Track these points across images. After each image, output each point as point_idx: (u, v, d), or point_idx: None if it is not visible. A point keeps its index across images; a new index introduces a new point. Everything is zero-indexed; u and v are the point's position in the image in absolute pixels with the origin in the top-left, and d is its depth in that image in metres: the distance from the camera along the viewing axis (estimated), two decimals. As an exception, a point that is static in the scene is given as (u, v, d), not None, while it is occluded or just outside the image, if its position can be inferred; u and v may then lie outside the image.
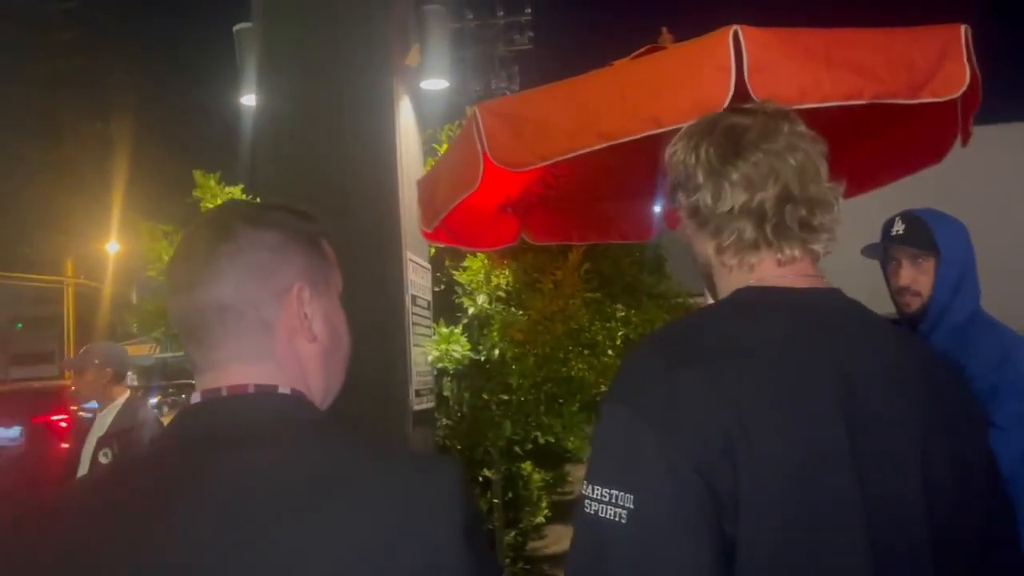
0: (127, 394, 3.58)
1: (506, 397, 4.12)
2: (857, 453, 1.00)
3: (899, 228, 2.38)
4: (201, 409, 0.98)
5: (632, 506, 0.97)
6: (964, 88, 2.53)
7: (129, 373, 3.78)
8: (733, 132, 1.17)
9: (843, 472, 0.99)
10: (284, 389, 0.98)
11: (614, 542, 0.97)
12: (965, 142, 3.02)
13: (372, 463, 0.94)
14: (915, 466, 1.04)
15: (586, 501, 1.00)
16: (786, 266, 1.14)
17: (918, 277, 2.31)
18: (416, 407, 3.68)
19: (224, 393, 0.97)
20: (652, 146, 3.90)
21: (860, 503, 0.99)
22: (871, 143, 3.55)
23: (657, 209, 4.37)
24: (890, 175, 3.51)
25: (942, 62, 2.57)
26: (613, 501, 0.98)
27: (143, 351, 6.82)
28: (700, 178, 1.17)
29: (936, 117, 3.04)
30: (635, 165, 4.14)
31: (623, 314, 4.68)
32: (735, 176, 1.13)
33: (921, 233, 2.32)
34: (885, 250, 2.41)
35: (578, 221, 4.22)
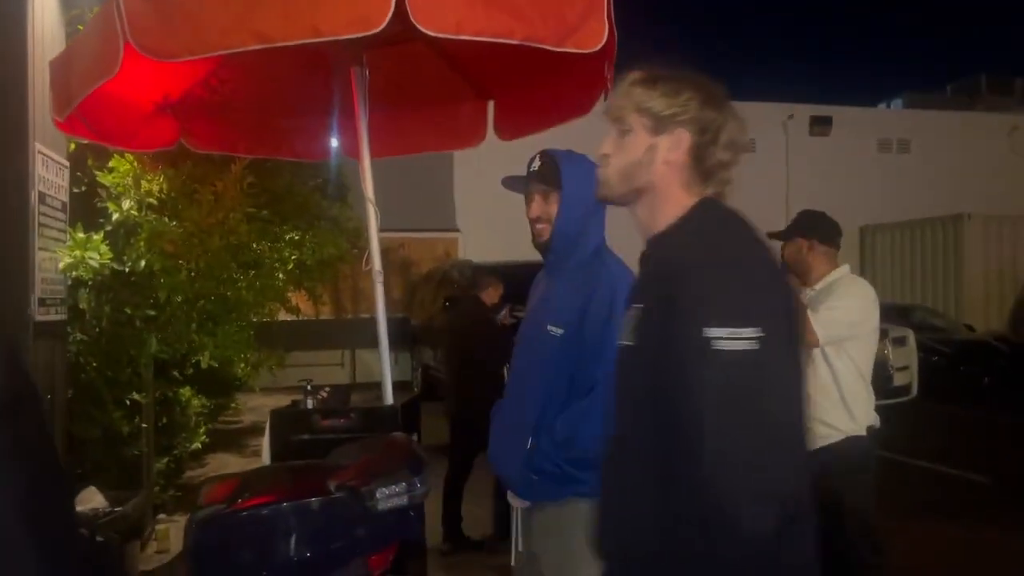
0: None
1: (153, 313, 3.84)
2: None
3: (535, 164, 2.55)
4: None
5: (762, 334, 1.25)
6: (602, 43, 2.76)
7: None
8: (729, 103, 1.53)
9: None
10: None
11: (751, 366, 1.25)
12: (607, 96, 3.32)
13: None
14: None
15: (715, 341, 1.25)
16: None
17: (546, 209, 2.50)
18: (40, 317, 3.30)
19: None
20: (326, 64, 3.84)
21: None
22: (530, 91, 3.80)
23: (335, 142, 4.27)
24: (545, 122, 3.79)
25: (586, 18, 2.79)
26: (742, 336, 1.25)
27: None
28: (725, 136, 1.50)
29: (585, 71, 3.31)
30: (309, 82, 4.03)
31: (291, 235, 4.56)
32: (732, 138, 1.51)
33: (551, 171, 2.52)
34: (526, 183, 2.59)
35: (246, 132, 4.01)
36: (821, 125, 16.26)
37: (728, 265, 1.35)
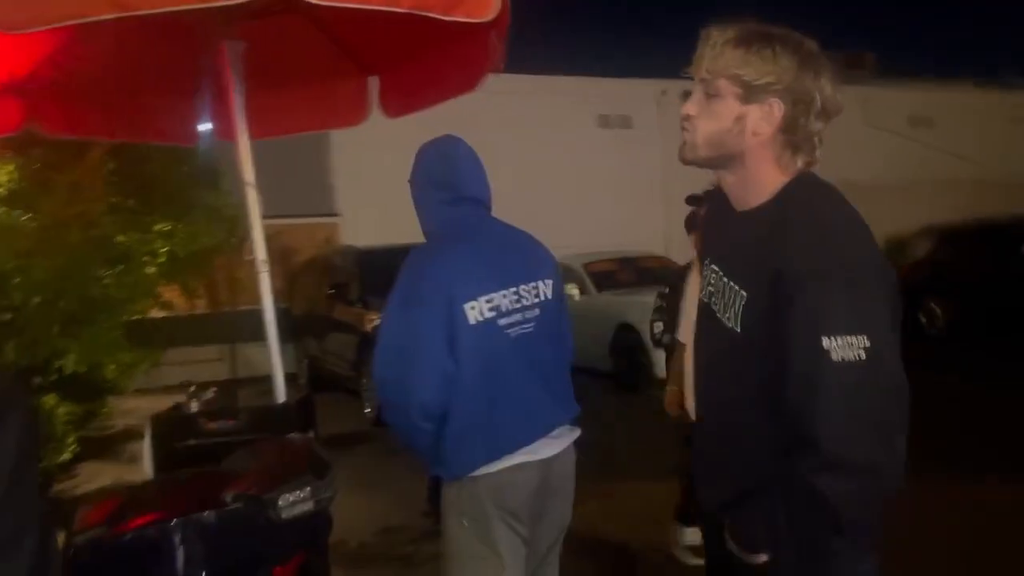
0: None
1: (8, 316, 3.47)
2: None
3: None
4: None
5: (870, 343, 1.32)
6: (496, 12, 2.64)
7: None
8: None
9: None
10: None
11: (864, 371, 1.31)
12: (499, 68, 3.21)
13: None
14: None
15: (831, 351, 1.32)
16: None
17: None
18: None
19: None
20: (195, 38, 3.54)
21: None
22: (416, 65, 3.64)
23: (208, 125, 3.97)
24: (432, 98, 3.64)
25: (476, -16, 2.66)
26: (855, 344, 1.32)
27: None
28: (819, 104, 1.44)
29: (474, 44, 3.18)
30: (177, 58, 3.72)
31: (162, 225, 4.24)
32: (826, 104, 1.47)
33: None
34: None
35: (105, 115, 3.66)
36: (693, 100, 16.67)
37: (845, 275, 1.37)
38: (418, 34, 3.34)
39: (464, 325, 2.18)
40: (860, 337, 1.32)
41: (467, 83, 3.44)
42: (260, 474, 2.15)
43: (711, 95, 1.47)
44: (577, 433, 2.42)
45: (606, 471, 5.44)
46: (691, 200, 3.23)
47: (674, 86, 17.05)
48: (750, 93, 1.44)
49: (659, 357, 8.85)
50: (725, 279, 1.55)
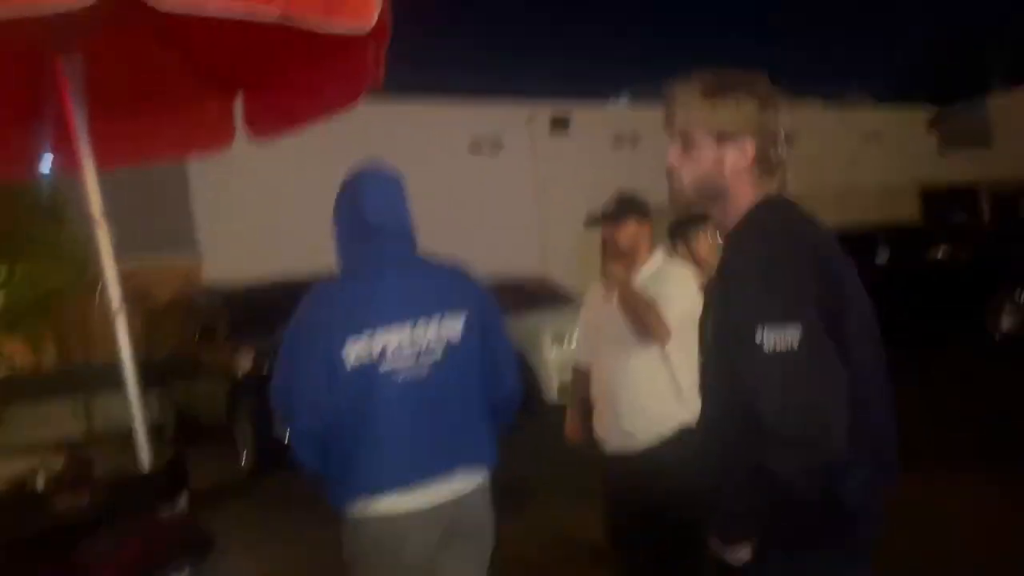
0: None
1: None
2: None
3: None
4: None
5: (800, 334, 1.47)
6: (375, 19, 2.41)
7: None
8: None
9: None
10: None
11: (794, 365, 1.47)
12: (378, 84, 2.98)
13: None
14: None
15: (763, 343, 1.48)
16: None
17: None
18: None
19: None
20: (25, 54, 3.11)
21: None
22: (286, 83, 3.33)
23: (46, 153, 3.50)
24: (305, 118, 3.34)
25: (354, -9, 2.41)
26: (784, 335, 1.47)
27: None
28: (782, 134, 1.68)
29: (350, 58, 2.94)
30: (4, 79, 3.26)
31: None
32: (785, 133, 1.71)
33: None
34: None
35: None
36: (560, 125, 17.00)
37: (769, 270, 1.54)
38: (288, 47, 3.06)
39: (341, 369, 2.17)
40: (793, 328, 1.47)
41: (345, 99, 3.17)
42: (124, 563, 1.80)
43: (689, 146, 1.69)
44: (480, 478, 2.33)
45: (510, 499, 5.22)
46: (591, 221, 3.08)
47: (541, 111, 17.30)
48: (724, 138, 1.66)
49: (549, 383, 8.77)
50: (715, 302, 1.72)
